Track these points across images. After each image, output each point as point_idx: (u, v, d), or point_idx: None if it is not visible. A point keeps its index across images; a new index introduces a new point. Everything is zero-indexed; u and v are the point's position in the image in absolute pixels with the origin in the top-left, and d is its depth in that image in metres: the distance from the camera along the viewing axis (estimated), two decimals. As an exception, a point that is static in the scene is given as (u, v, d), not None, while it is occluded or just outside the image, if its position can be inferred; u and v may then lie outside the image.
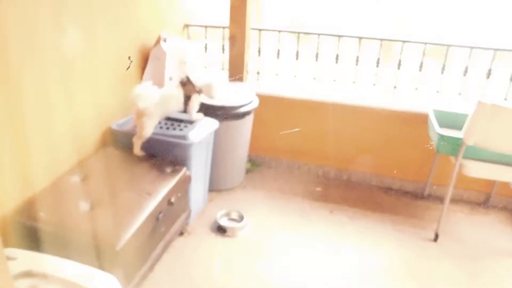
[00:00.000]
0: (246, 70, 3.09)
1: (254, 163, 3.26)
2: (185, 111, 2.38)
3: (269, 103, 3.01)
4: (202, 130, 2.31)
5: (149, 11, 2.72)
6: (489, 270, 2.24)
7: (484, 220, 2.70)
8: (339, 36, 3.01)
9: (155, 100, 2.15)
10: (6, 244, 1.63)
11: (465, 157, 2.29)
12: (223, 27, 3.17)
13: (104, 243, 1.61)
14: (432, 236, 2.46)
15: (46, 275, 1.42)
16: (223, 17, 2.96)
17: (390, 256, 2.29)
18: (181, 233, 2.36)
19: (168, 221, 2.07)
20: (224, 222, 2.49)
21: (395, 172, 2.99)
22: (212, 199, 2.76)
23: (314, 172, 3.20)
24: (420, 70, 2.90)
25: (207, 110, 2.51)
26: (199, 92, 2.36)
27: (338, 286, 2.06)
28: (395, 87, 3.04)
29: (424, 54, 2.86)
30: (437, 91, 2.95)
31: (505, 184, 2.67)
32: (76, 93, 2.08)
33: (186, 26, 3.24)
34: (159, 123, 2.34)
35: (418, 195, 2.95)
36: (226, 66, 3.13)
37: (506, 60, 3.08)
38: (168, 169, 2.13)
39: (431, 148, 2.71)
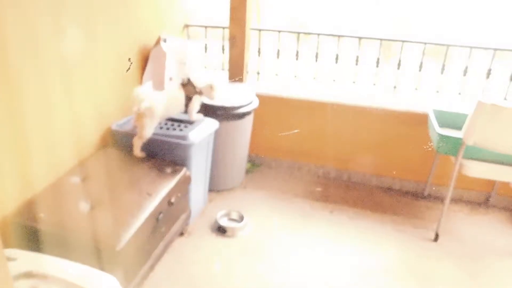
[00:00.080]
0: (246, 70, 3.09)
1: (254, 163, 3.26)
2: (186, 112, 2.38)
3: (269, 103, 3.01)
4: (202, 130, 2.31)
5: (149, 11, 2.72)
6: (489, 270, 2.24)
7: (484, 220, 2.70)
8: (339, 36, 3.01)
9: (157, 101, 2.15)
10: (6, 245, 1.63)
11: (465, 157, 2.29)
12: (223, 27, 3.17)
13: (104, 244, 1.61)
14: (432, 236, 2.47)
15: (46, 275, 1.41)
16: (223, 17, 2.96)
17: (390, 256, 2.29)
18: (181, 233, 2.36)
19: (168, 221, 2.07)
20: (224, 222, 2.49)
21: (395, 172, 2.99)
22: (212, 199, 2.76)
23: (314, 172, 3.20)
24: (420, 70, 2.90)
25: (207, 110, 2.52)
26: (200, 93, 2.37)
27: (338, 286, 2.07)
28: (395, 87, 3.04)
29: (424, 54, 2.86)
30: (437, 91, 2.95)
31: (505, 184, 2.67)
32: (76, 94, 2.08)
33: (186, 26, 3.24)
34: (159, 123, 2.34)
35: (418, 195, 2.95)
36: (226, 66, 3.14)
37: (506, 59, 3.07)
38: (168, 170, 2.13)
39: (430, 149, 2.71)
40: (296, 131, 3.04)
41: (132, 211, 1.79)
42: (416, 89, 3.00)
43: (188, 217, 2.33)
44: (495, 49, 2.68)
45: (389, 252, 2.32)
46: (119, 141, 2.30)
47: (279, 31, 3.12)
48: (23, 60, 1.72)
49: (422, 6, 6.79)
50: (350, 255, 2.29)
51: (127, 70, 2.48)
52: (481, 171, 2.29)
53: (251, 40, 3.06)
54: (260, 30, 3.18)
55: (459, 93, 2.91)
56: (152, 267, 1.97)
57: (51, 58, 1.87)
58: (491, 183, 2.78)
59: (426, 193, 2.94)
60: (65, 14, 1.94)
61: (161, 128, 2.29)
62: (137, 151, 2.20)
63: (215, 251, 2.28)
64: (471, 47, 2.74)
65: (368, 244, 2.39)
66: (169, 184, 2.03)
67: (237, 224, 2.49)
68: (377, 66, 3.00)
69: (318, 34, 3.05)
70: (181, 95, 2.32)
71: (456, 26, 6.24)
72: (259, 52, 3.19)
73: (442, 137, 2.28)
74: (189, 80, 2.35)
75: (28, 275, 1.41)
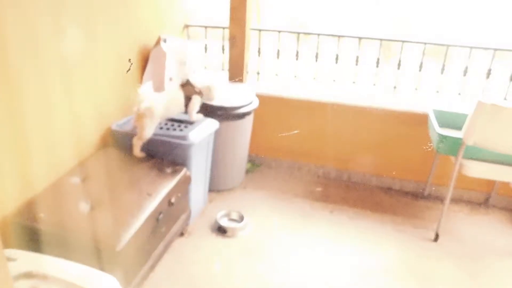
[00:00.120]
0: (246, 70, 3.09)
1: (254, 164, 3.26)
2: (185, 112, 2.38)
3: (269, 104, 3.01)
4: (202, 130, 2.31)
5: (149, 11, 2.72)
6: (489, 270, 2.24)
7: (484, 220, 2.70)
8: (339, 36, 3.01)
9: (157, 102, 2.15)
10: (7, 245, 1.63)
11: (465, 157, 2.29)
12: (223, 27, 3.17)
13: (104, 244, 1.61)
14: (432, 236, 2.47)
15: (46, 276, 1.41)
16: (223, 17, 2.96)
17: (390, 256, 2.29)
18: (182, 234, 2.36)
19: (168, 221, 2.07)
20: (224, 222, 2.49)
21: (395, 172, 2.99)
22: (212, 200, 2.76)
23: (314, 172, 3.20)
24: (420, 70, 2.90)
25: (207, 110, 2.52)
26: (199, 93, 2.37)
27: (338, 286, 2.07)
28: (395, 87, 3.04)
29: (424, 54, 2.86)
30: (437, 91, 2.95)
31: (505, 184, 2.67)
32: (76, 94, 2.08)
33: (186, 26, 3.24)
34: (159, 123, 2.34)
35: (418, 195, 2.95)
36: (226, 66, 3.13)
37: (506, 59, 3.08)
38: (168, 170, 2.13)
39: (429, 150, 2.72)
40: (295, 132, 3.04)
41: (132, 211, 1.79)
42: (416, 89, 3.00)
43: (188, 217, 2.33)
44: (495, 49, 2.68)
45: (389, 252, 2.32)
46: (119, 141, 2.30)
47: (279, 31, 3.12)
48: (23, 60, 1.72)
49: (422, 6, 6.79)
50: (350, 255, 2.29)
51: (127, 71, 2.48)
52: (481, 171, 2.29)
53: (251, 40, 3.06)
54: (260, 30, 3.18)
55: (459, 93, 2.91)
56: (152, 267, 1.97)
57: (51, 58, 1.87)
58: (491, 183, 2.78)
59: (426, 193, 2.94)
60: (65, 14, 1.94)
61: (161, 128, 2.29)
62: (137, 151, 2.20)
63: (215, 251, 2.28)
64: (471, 47, 2.74)
65: (368, 244, 2.39)
66: (169, 184, 2.03)
67: (237, 224, 2.49)
68: (377, 66, 3.00)
69: (318, 34, 3.05)
70: (180, 95, 2.32)
71: (456, 26, 6.24)
72: (259, 52, 3.19)
73: (442, 137, 2.28)
74: (188, 80, 2.36)
75: (28, 275, 1.41)
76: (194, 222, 2.49)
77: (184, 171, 2.16)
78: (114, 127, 2.32)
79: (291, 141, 3.11)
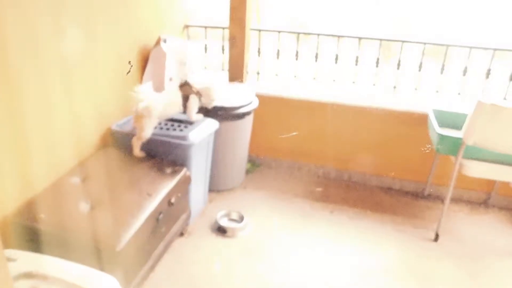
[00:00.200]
0: (246, 71, 3.09)
1: (254, 164, 3.26)
2: (184, 112, 2.38)
3: (269, 104, 3.01)
4: (202, 130, 2.31)
5: (149, 12, 2.72)
6: (490, 269, 2.24)
7: (484, 220, 2.70)
8: (339, 36, 3.01)
9: (155, 102, 2.15)
10: (7, 245, 1.63)
11: (465, 157, 2.29)
12: (223, 28, 3.17)
13: (104, 244, 1.61)
14: (433, 236, 2.47)
15: (46, 276, 1.41)
16: (223, 17, 2.96)
17: (391, 256, 2.29)
18: (182, 234, 2.36)
19: (168, 221, 2.07)
20: (224, 222, 2.49)
21: (395, 172, 2.99)
22: (212, 200, 2.76)
23: (314, 172, 3.20)
24: (419, 70, 2.90)
25: (207, 110, 2.51)
26: (197, 94, 2.36)
27: (338, 286, 2.07)
28: (394, 87, 3.04)
29: (423, 54, 2.86)
30: (437, 91, 2.95)
31: (505, 184, 2.68)
32: (76, 94, 2.08)
33: (186, 26, 3.24)
34: (159, 123, 2.34)
35: (418, 195, 2.95)
36: (226, 66, 3.14)
37: (505, 59, 3.08)
38: (168, 170, 2.13)
39: (427, 151, 2.72)
40: (294, 133, 3.04)
41: (132, 211, 1.79)
42: (416, 89, 3.00)
43: (188, 217, 2.33)
44: (495, 49, 2.68)
45: (389, 252, 2.32)
46: (119, 141, 2.30)
47: (279, 32, 3.12)
48: (23, 60, 1.72)
49: (422, 6, 6.79)
50: (350, 255, 2.29)
51: (127, 73, 2.48)
52: (481, 171, 2.29)
53: (251, 40, 3.06)
54: (260, 30, 3.18)
55: (459, 93, 2.91)
56: (152, 268, 1.97)
57: (51, 58, 1.87)
58: (491, 183, 2.79)
59: (426, 193, 2.94)
60: (65, 14, 1.94)
61: (161, 128, 2.29)
62: (137, 151, 2.20)
63: (215, 251, 2.28)
64: (470, 47, 2.74)
65: (368, 244, 2.39)
66: (169, 184, 2.03)
67: (237, 224, 2.49)
68: (377, 66, 3.00)
69: (318, 34, 3.05)
70: (178, 95, 2.32)
71: (456, 26, 6.24)
72: (259, 52, 3.19)
73: (442, 137, 2.28)
74: (186, 81, 2.35)
75: (28, 275, 1.41)
76: (194, 222, 2.49)
77: (184, 171, 2.16)
78: (114, 127, 2.32)
79: (291, 141, 3.11)
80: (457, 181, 2.34)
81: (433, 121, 2.45)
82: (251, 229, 2.48)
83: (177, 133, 2.23)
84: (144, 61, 2.66)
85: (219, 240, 2.37)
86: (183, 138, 2.19)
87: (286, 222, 2.57)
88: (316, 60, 3.10)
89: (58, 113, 1.97)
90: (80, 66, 2.08)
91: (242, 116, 2.68)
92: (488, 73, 2.76)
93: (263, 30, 3.21)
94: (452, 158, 2.38)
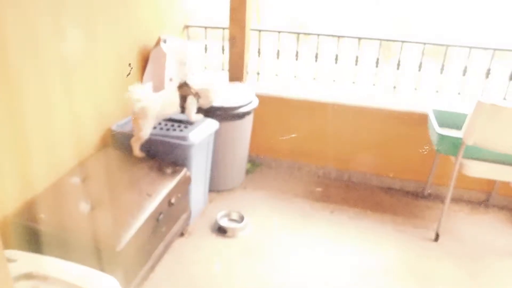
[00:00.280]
0: (246, 71, 3.09)
1: (254, 164, 3.26)
2: (181, 112, 2.37)
3: (269, 104, 3.01)
4: (202, 130, 2.31)
5: (149, 12, 2.72)
6: (490, 269, 2.24)
7: (484, 220, 2.70)
8: (339, 36, 3.02)
9: (151, 102, 2.14)
10: (7, 246, 1.63)
11: (465, 157, 2.29)
12: (223, 28, 3.17)
13: (104, 244, 1.61)
14: (433, 236, 2.47)
15: (46, 277, 1.41)
16: (223, 17, 2.96)
17: (391, 256, 2.29)
18: (182, 234, 2.36)
19: (168, 221, 2.07)
20: (224, 222, 2.49)
21: (395, 172, 2.99)
22: (212, 200, 2.76)
23: (315, 172, 3.20)
24: (419, 70, 2.90)
25: (207, 110, 2.51)
26: (196, 95, 2.35)
27: (338, 286, 2.06)
28: (394, 87, 3.04)
29: (423, 54, 2.86)
30: (437, 91, 2.95)
31: (505, 184, 2.68)
32: (76, 94, 2.08)
33: (186, 27, 3.25)
34: (159, 124, 2.34)
35: (418, 195, 2.95)
36: (226, 66, 3.14)
37: (505, 59, 3.08)
38: (168, 170, 2.13)
39: (425, 153, 2.72)
40: (293, 135, 3.04)
41: (132, 211, 1.79)
42: (415, 89, 3.00)
43: (188, 217, 2.33)
44: (494, 49, 2.68)
45: (389, 252, 2.32)
46: (119, 142, 2.30)
47: (279, 32, 3.12)
48: (23, 60, 1.72)
49: (422, 6, 6.79)
50: (350, 255, 2.29)
51: (127, 75, 2.48)
52: (481, 171, 2.29)
53: (251, 40, 3.06)
54: (260, 30, 3.18)
55: (459, 93, 2.91)
56: (152, 268, 1.97)
57: (51, 58, 1.87)
58: (491, 183, 2.79)
59: (426, 193, 2.94)
60: (65, 14, 1.94)
61: (161, 128, 2.29)
62: (137, 151, 2.20)
63: (215, 252, 2.28)
64: (470, 47, 2.74)
65: (368, 244, 2.39)
66: (169, 184, 2.03)
67: (237, 224, 2.49)
68: (377, 66, 3.00)
69: (318, 35, 3.06)
70: (176, 96, 2.31)
71: (456, 26, 6.24)
72: (259, 52, 3.19)
73: (442, 137, 2.28)
74: (185, 81, 2.35)
75: (29, 276, 1.41)
76: (194, 222, 2.49)
77: (184, 171, 2.16)
78: (114, 127, 2.32)
79: (291, 141, 3.11)
80: (457, 181, 2.34)
81: (433, 121, 2.45)
82: (251, 229, 2.48)
83: (177, 133, 2.23)
84: (144, 61, 2.66)
85: (219, 240, 2.37)
86: (183, 138, 2.19)
87: (286, 222, 2.57)
88: (316, 60, 3.10)
89: (58, 113, 1.97)
90: (80, 66, 2.09)
91: (242, 116, 2.68)
92: (488, 73, 2.76)
93: (263, 30, 3.21)
94: (452, 158, 2.38)
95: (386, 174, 3.03)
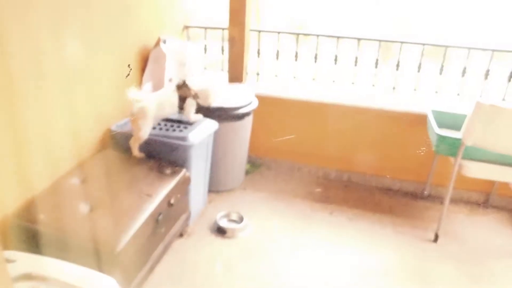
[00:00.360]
0: (246, 71, 3.09)
1: (254, 164, 3.26)
2: (180, 113, 2.36)
3: (268, 104, 3.01)
4: (202, 131, 2.31)
5: (149, 12, 2.72)
6: (489, 270, 2.24)
7: (484, 221, 2.70)
8: (338, 37, 3.02)
9: (149, 102, 2.14)
10: (6, 247, 1.63)
11: (464, 158, 2.29)
12: (223, 28, 3.17)
13: (103, 245, 1.61)
14: (432, 236, 2.47)
15: (45, 277, 1.41)
16: (223, 17, 2.96)
17: (390, 257, 2.29)
18: (181, 235, 2.36)
19: (168, 222, 2.07)
20: (224, 223, 2.49)
21: (394, 173, 2.99)
22: (211, 200, 2.76)
23: (314, 173, 3.20)
24: (418, 71, 2.91)
25: (207, 111, 2.51)
26: (195, 96, 2.34)
27: (338, 287, 2.06)
28: (394, 88, 3.05)
29: (422, 54, 2.87)
30: (436, 92, 2.95)
31: (504, 184, 2.68)
32: (76, 94, 2.08)
33: (186, 27, 3.25)
34: (159, 124, 2.34)
35: (418, 196, 2.95)
36: (226, 67, 3.14)
37: (504, 60, 3.08)
38: (168, 171, 2.13)
39: (422, 154, 2.72)
40: (291, 136, 3.04)
41: (131, 212, 1.79)
42: (415, 90, 3.00)
43: (188, 218, 2.33)
44: (494, 50, 2.68)
45: (389, 253, 2.32)
46: (119, 142, 2.29)
47: (279, 32, 3.13)
48: (23, 60, 1.72)
49: (422, 6, 6.80)
50: (349, 255, 2.29)
51: (127, 76, 2.48)
52: (481, 172, 2.29)
53: (250, 41, 3.06)
54: (259, 31, 3.19)
55: (458, 94, 2.91)
56: (151, 269, 1.97)
57: (51, 59, 1.87)
58: (491, 184, 2.79)
59: (425, 194, 2.94)
60: (65, 15, 1.94)
61: (160, 129, 2.29)
62: (136, 152, 2.20)
63: (215, 252, 2.28)
64: (469, 48, 2.75)
65: (368, 245, 2.39)
66: (169, 185, 2.03)
67: (237, 225, 2.49)
68: (376, 67, 3.00)
69: (318, 35, 3.06)
70: (174, 96, 2.30)
71: (455, 26, 6.25)
72: (258, 53, 3.19)
73: (441, 138, 2.29)
74: (184, 82, 2.34)
75: (28, 277, 1.41)
76: (194, 223, 2.49)
77: (183, 172, 2.16)
78: (113, 127, 2.32)
79: (290, 142, 3.11)
80: (456, 182, 2.34)
81: (432, 121, 2.45)
82: (251, 230, 2.48)
83: (176, 133, 2.23)
84: (144, 62, 2.66)
85: (219, 241, 2.37)
86: (183, 138, 2.19)
87: (285, 223, 2.57)
88: (315, 61, 3.10)
89: (58, 114, 1.97)
90: (80, 66, 2.08)
91: (241, 116, 2.68)
92: (487, 74, 2.76)
93: (262, 31, 3.22)
94: (452, 158, 2.38)
95: (386, 175, 3.03)
